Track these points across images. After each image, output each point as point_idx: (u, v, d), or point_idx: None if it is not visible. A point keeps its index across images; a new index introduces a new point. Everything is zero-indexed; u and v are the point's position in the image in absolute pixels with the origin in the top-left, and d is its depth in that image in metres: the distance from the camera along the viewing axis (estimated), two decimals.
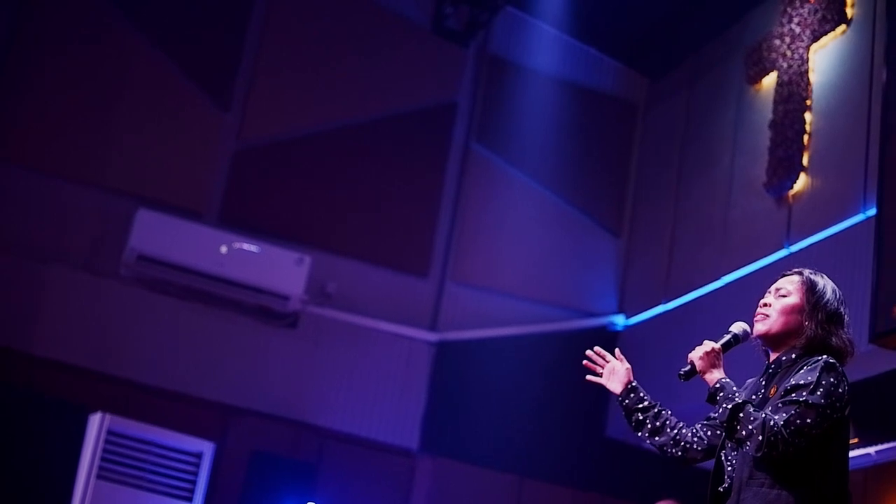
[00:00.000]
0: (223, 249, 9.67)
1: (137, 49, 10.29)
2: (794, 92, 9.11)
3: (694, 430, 4.01)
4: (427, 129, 10.99)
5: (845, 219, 8.28)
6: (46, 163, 9.86)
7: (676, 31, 10.94)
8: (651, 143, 11.35)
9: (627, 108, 11.57)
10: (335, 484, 9.78)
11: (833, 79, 8.88)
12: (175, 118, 10.30)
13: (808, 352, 3.74)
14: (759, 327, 3.85)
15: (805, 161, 8.87)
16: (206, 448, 8.92)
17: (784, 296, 3.85)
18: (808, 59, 9.08)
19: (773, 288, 3.91)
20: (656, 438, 4.03)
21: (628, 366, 4.15)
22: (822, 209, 8.58)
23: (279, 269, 9.78)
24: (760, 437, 3.51)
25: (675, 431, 4.02)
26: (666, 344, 9.59)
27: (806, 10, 9.17)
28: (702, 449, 3.97)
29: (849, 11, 8.83)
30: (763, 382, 3.82)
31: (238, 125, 10.46)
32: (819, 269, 3.98)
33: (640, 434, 4.06)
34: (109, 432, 8.57)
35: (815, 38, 9.05)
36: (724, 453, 3.78)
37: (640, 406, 4.06)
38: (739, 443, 3.61)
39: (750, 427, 3.54)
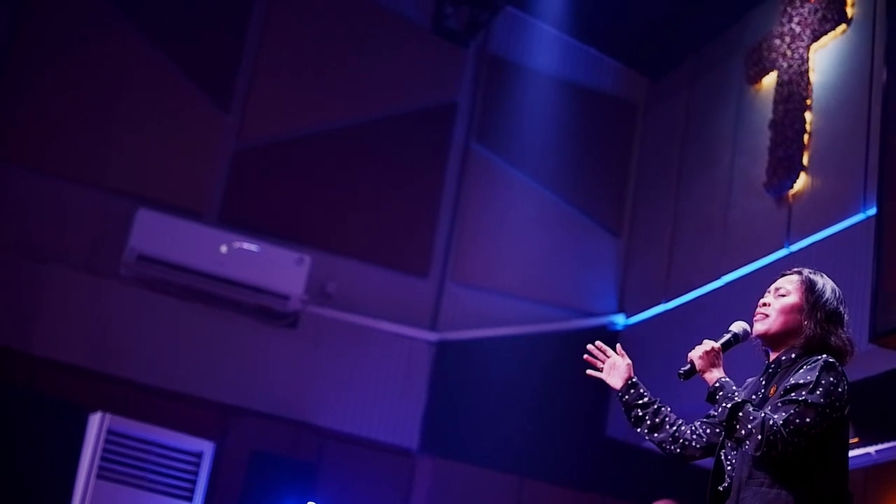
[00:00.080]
0: (223, 249, 9.67)
1: (137, 49, 10.29)
2: (794, 91, 9.11)
3: (693, 428, 4.01)
4: (427, 129, 10.99)
5: (845, 218, 8.28)
6: (46, 163, 9.87)
7: (676, 30, 10.94)
8: (651, 143, 11.35)
9: (627, 108, 11.57)
10: (335, 484, 9.78)
11: (833, 78, 8.88)
12: (175, 118, 10.30)
13: (807, 351, 3.74)
14: (759, 327, 3.86)
15: (805, 161, 8.87)
16: (206, 448, 8.92)
17: (783, 295, 3.85)
18: (808, 58, 9.08)
19: (772, 287, 3.91)
20: (655, 435, 4.03)
21: (629, 361, 4.15)
22: (822, 209, 8.58)
23: (279, 268, 9.78)
24: (760, 437, 3.51)
25: (675, 428, 4.02)
26: (666, 343, 9.58)
27: (806, 9, 9.17)
28: (700, 447, 3.98)
29: (849, 11, 8.82)
30: (763, 382, 3.83)
31: (238, 125, 10.46)
32: (819, 268, 3.98)
33: (638, 430, 4.06)
34: (109, 432, 8.57)
35: (816, 38, 9.05)
36: (724, 453, 3.78)
37: (640, 402, 4.07)
38: (739, 442, 3.61)
39: (749, 426, 3.55)
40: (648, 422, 4.04)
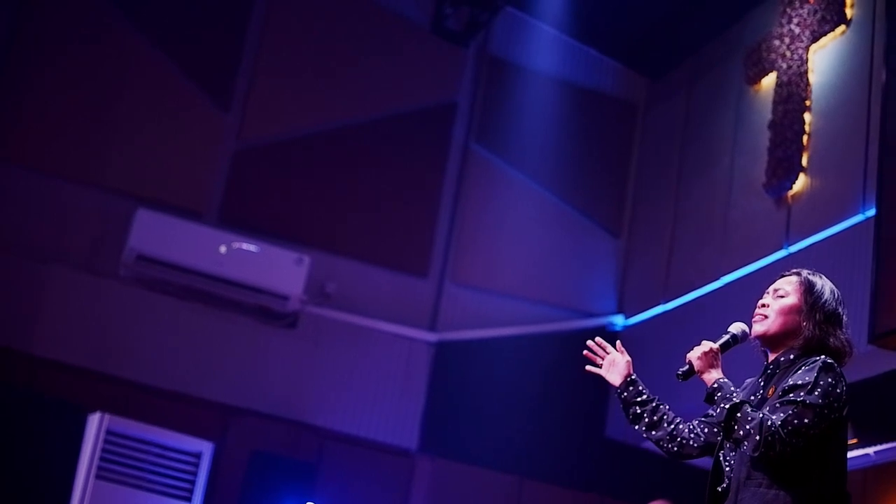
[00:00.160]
0: (222, 249, 9.67)
1: (137, 49, 10.29)
2: (793, 92, 9.12)
3: (691, 427, 4.01)
4: (427, 129, 10.99)
5: (844, 219, 8.29)
6: (46, 163, 9.87)
7: (676, 31, 10.94)
8: (651, 144, 11.35)
9: (627, 108, 11.57)
10: (334, 484, 9.78)
11: (832, 79, 8.88)
12: (175, 118, 10.31)
13: (806, 352, 3.75)
14: (758, 328, 3.86)
15: (804, 161, 8.87)
16: (205, 448, 8.92)
17: (782, 296, 3.86)
18: (807, 59, 9.08)
19: (771, 289, 3.92)
20: (653, 433, 4.04)
21: (628, 358, 4.15)
22: (821, 209, 8.58)
23: (278, 269, 9.78)
24: (758, 437, 3.51)
25: (672, 427, 4.02)
26: (665, 344, 9.59)
27: (805, 10, 9.17)
28: (698, 445, 3.98)
29: (848, 12, 8.83)
30: (762, 383, 3.83)
31: (238, 125, 10.46)
32: (818, 269, 3.99)
33: (636, 427, 4.07)
34: (108, 432, 8.57)
35: (815, 39, 9.05)
36: (723, 453, 3.79)
37: (639, 399, 4.07)
38: (737, 443, 3.61)
39: (747, 427, 3.55)
40: (646, 419, 4.05)
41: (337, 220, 10.55)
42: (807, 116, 8.95)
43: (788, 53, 9.27)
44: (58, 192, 9.83)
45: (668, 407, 4.07)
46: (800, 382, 3.60)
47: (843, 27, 8.84)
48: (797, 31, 9.22)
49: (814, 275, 3.90)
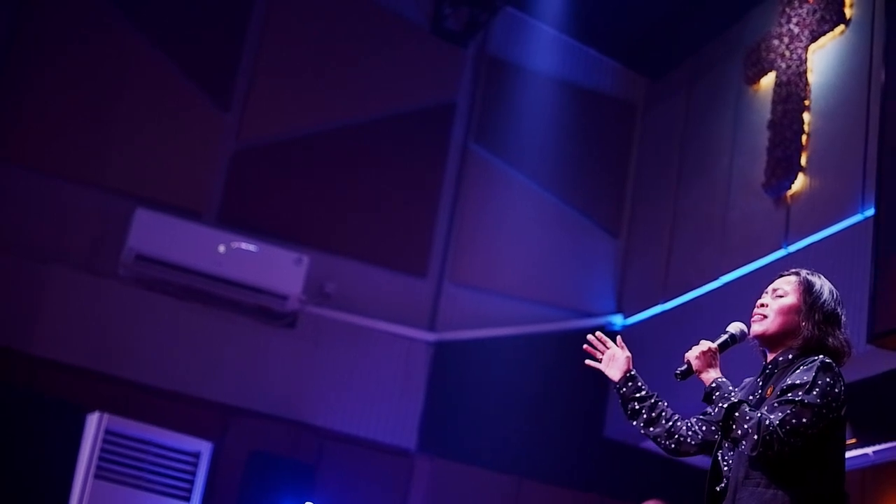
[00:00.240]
0: (221, 249, 9.67)
1: (137, 49, 10.29)
2: (792, 92, 9.12)
3: (689, 424, 4.02)
4: (426, 129, 10.99)
5: (843, 219, 8.29)
6: (46, 163, 9.87)
7: (675, 31, 10.94)
8: (650, 144, 11.35)
9: (626, 108, 11.57)
10: (333, 484, 9.78)
11: (832, 79, 8.89)
12: (175, 118, 10.31)
13: (804, 352, 3.75)
14: (757, 328, 3.87)
15: (803, 161, 8.87)
16: (204, 448, 8.92)
17: (781, 296, 3.86)
18: (806, 59, 9.08)
19: (770, 288, 3.92)
20: (651, 429, 4.03)
21: (628, 354, 4.15)
22: (820, 209, 8.58)
23: (278, 268, 9.78)
24: (756, 437, 3.52)
25: (670, 423, 4.02)
26: (664, 344, 9.58)
27: (804, 10, 9.18)
28: (695, 443, 3.99)
29: (847, 12, 8.83)
30: (760, 383, 3.84)
31: (237, 125, 10.47)
32: (817, 269, 3.99)
33: (634, 423, 4.07)
34: (107, 432, 8.56)
35: (814, 39, 9.05)
36: (721, 453, 3.79)
37: (637, 395, 4.07)
38: (735, 442, 3.62)
39: (745, 426, 3.55)
40: (645, 415, 4.05)
41: (336, 220, 10.55)
42: (806, 116, 8.95)
43: (787, 53, 9.27)
44: (58, 192, 9.83)
45: (666, 404, 4.07)
46: (798, 382, 3.60)
47: (842, 27, 8.84)
48: (796, 30, 9.22)
49: (813, 275, 3.91)
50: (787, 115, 9.09)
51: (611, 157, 11.46)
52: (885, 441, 8.15)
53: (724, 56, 10.39)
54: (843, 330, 3.83)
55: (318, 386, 10.03)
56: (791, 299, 3.84)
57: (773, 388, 3.69)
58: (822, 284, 3.87)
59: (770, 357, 3.86)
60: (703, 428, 3.98)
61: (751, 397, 3.77)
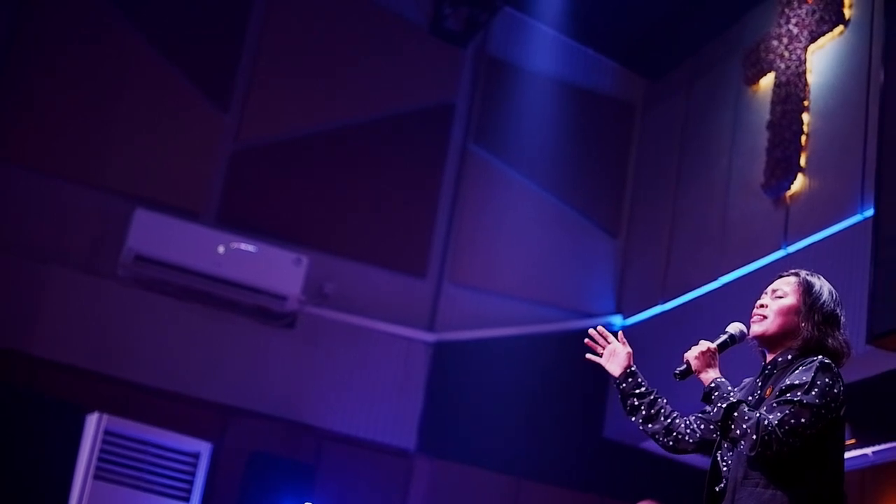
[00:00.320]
0: (220, 250, 9.67)
1: (137, 49, 10.29)
2: (791, 93, 9.12)
3: (687, 422, 4.02)
4: (425, 129, 10.99)
5: (843, 220, 8.29)
6: (46, 163, 9.87)
7: (674, 31, 10.94)
8: (649, 144, 11.36)
9: (625, 108, 11.58)
10: (333, 484, 9.78)
11: (831, 80, 8.89)
12: (174, 118, 10.31)
13: (804, 353, 3.76)
14: (756, 328, 3.87)
15: (803, 162, 8.88)
16: (203, 448, 8.92)
17: (781, 297, 3.86)
18: (805, 59, 9.09)
19: (769, 289, 3.92)
20: (649, 426, 4.04)
21: (629, 350, 4.14)
22: (819, 210, 8.58)
23: (277, 269, 9.78)
24: (754, 437, 3.52)
25: (669, 421, 4.02)
26: (663, 344, 9.57)
27: (804, 10, 9.18)
28: (693, 441, 3.99)
29: (846, 12, 8.83)
30: (759, 383, 3.84)
31: (236, 126, 10.47)
32: (816, 269, 3.99)
33: (633, 419, 4.07)
34: (106, 432, 8.56)
35: (813, 39, 9.05)
36: (720, 453, 3.79)
37: (637, 391, 4.07)
38: (734, 442, 3.62)
39: (744, 426, 3.56)
40: (643, 412, 4.04)
41: (335, 220, 10.55)
42: (805, 117, 8.96)
43: (787, 54, 9.27)
44: (58, 193, 9.83)
45: (665, 401, 4.07)
46: (797, 382, 3.61)
47: (841, 27, 8.85)
48: (795, 31, 9.22)
49: (812, 275, 3.91)
50: (787, 116, 9.09)
51: (610, 157, 11.46)
52: (885, 441, 8.16)
53: (723, 56, 10.39)
54: (842, 331, 3.83)
55: (318, 386, 10.04)
56: (790, 300, 3.84)
57: (773, 389, 3.69)
58: (822, 285, 3.88)
59: (769, 358, 3.86)
60: (702, 426, 3.98)
61: (750, 398, 3.77)
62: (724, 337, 3.92)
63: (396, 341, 10.33)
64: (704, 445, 3.95)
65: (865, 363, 7.52)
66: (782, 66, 9.30)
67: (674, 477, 9.44)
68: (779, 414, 3.54)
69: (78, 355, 9.47)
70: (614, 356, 4.15)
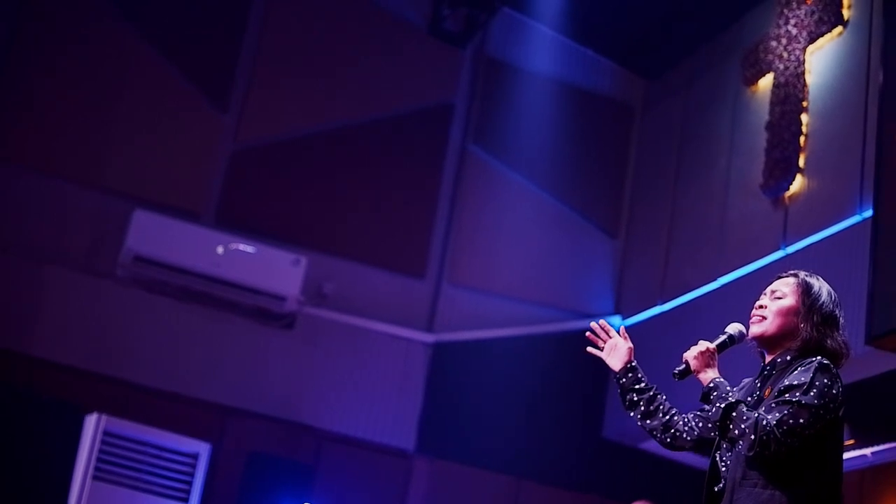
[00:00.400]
0: (219, 250, 9.67)
1: (137, 49, 10.29)
2: (790, 93, 9.13)
3: (686, 420, 4.02)
4: (424, 130, 11.00)
5: (842, 220, 8.29)
6: (46, 163, 9.87)
7: (673, 32, 10.94)
8: (648, 145, 11.36)
9: (624, 109, 11.58)
10: (332, 485, 9.78)
11: (829, 80, 8.89)
12: (173, 119, 10.31)
13: (803, 354, 3.76)
14: (755, 329, 3.87)
15: (801, 162, 8.88)
16: (203, 449, 8.92)
17: (779, 298, 3.87)
18: (804, 60, 9.09)
19: (768, 290, 3.93)
20: (647, 422, 4.03)
21: (630, 345, 4.14)
22: (818, 210, 8.59)
23: (276, 269, 9.78)
24: (753, 437, 3.52)
25: (667, 418, 4.02)
26: (662, 345, 9.58)
27: (802, 11, 9.18)
28: (691, 439, 3.99)
29: (845, 13, 8.84)
30: (758, 384, 3.84)
31: (236, 126, 10.47)
32: (815, 270, 4.00)
33: (631, 414, 4.06)
34: (105, 433, 8.56)
35: (812, 40, 9.06)
36: (719, 454, 3.80)
37: (637, 387, 4.07)
38: (732, 442, 3.63)
39: (742, 426, 3.56)
40: (642, 408, 4.04)
41: (334, 220, 10.55)
42: (804, 117, 8.96)
43: (785, 54, 9.28)
44: (58, 192, 9.83)
45: (665, 397, 4.07)
46: (796, 383, 3.61)
47: (840, 28, 8.85)
48: (794, 32, 9.23)
49: (811, 276, 3.92)
50: (786, 117, 9.10)
51: (609, 157, 11.46)
52: (884, 442, 8.17)
53: (722, 57, 10.39)
54: (841, 331, 3.84)
55: (317, 387, 10.04)
56: (789, 301, 3.84)
57: (772, 390, 3.70)
58: (821, 286, 3.88)
59: (768, 358, 3.86)
60: (700, 424, 3.98)
61: (749, 398, 3.78)
62: (723, 337, 3.92)
63: (395, 342, 10.33)
64: (702, 444, 3.95)
65: (864, 364, 7.52)
66: (781, 66, 9.30)
67: (673, 477, 9.44)
68: (777, 414, 3.55)
69: (77, 355, 9.47)
70: (615, 351, 4.14)
